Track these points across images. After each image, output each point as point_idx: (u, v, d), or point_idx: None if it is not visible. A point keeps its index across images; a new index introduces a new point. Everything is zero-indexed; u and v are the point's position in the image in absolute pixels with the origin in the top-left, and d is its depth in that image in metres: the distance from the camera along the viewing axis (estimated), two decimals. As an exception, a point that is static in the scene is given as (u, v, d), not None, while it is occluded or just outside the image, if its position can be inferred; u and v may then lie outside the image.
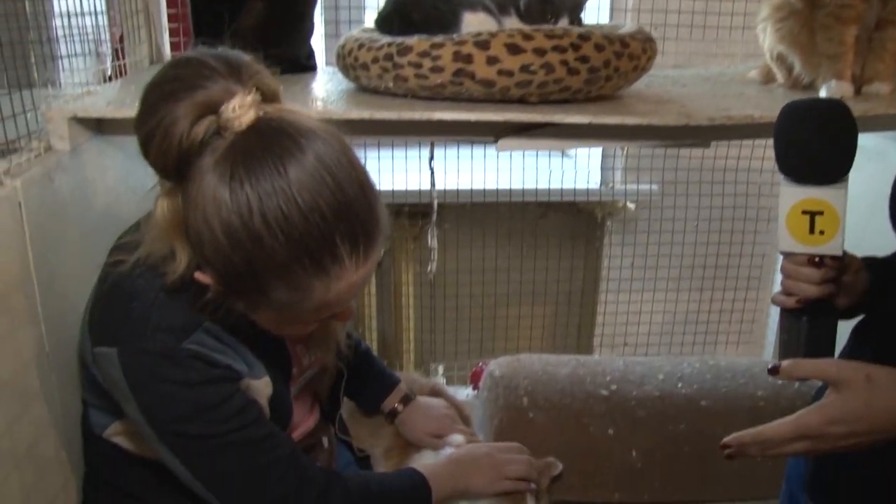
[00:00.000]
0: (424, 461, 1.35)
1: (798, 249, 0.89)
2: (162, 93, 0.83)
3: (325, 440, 1.27)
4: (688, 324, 2.38)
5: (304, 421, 1.24)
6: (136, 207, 1.12)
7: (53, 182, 1.08)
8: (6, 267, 0.95)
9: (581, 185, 2.23)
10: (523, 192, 2.14)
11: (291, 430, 1.18)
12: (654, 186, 2.21)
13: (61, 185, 1.10)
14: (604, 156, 2.26)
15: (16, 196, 0.98)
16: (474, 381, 1.95)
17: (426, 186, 2.06)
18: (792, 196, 0.89)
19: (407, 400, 1.43)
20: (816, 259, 0.89)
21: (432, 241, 2.11)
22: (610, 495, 1.54)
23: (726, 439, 0.82)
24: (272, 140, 0.81)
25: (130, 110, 0.96)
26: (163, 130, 0.81)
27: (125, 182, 1.30)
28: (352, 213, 0.83)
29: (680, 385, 1.65)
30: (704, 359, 1.77)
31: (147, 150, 0.84)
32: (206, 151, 0.82)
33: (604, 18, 2.11)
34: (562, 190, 2.17)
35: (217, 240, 0.81)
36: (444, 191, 2.10)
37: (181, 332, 0.90)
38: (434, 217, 2.10)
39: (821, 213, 0.87)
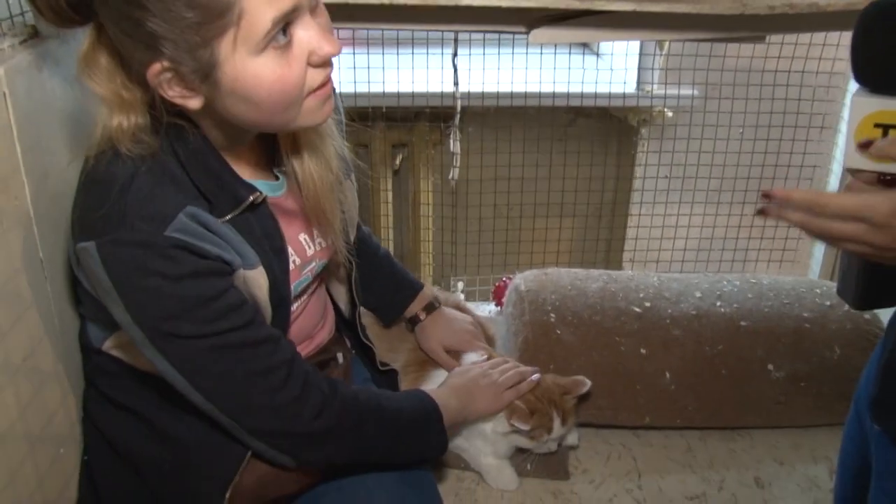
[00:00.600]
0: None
1: (867, 167, 0.81)
2: None
3: (339, 356, 1.25)
4: (727, 240, 2.31)
5: (317, 332, 1.22)
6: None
7: (42, 72, 1.01)
8: (-9, 164, 0.90)
9: (615, 89, 2.14)
10: (553, 95, 2.05)
11: (303, 343, 1.17)
12: (695, 91, 2.12)
13: (51, 76, 1.03)
14: (641, 55, 2.16)
15: (0, 85, 0.91)
16: (497, 296, 1.91)
17: (448, 88, 1.98)
18: (865, 107, 0.81)
19: (431, 308, 1.43)
20: (887, 177, 0.81)
21: (455, 146, 2.03)
22: (640, 418, 1.51)
23: (769, 189, 0.75)
24: None
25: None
26: None
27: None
28: None
29: (719, 304, 1.59)
30: (745, 277, 1.71)
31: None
32: None
33: None
34: (595, 94, 2.09)
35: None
36: (469, 93, 2.02)
37: (162, 218, 0.86)
38: (457, 120, 2.02)
39: (893, 126, 0.79)
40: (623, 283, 1.65)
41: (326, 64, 0.89)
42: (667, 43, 2.06)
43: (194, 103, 0.87)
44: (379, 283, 1.41)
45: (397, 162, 2.22)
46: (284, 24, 0.83)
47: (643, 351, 1.52)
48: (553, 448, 1.38)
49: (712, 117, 2.13)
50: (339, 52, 0.88)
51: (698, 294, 1.63)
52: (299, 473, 1.05)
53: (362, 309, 1.33)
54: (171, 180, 0.90)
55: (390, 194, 2.21)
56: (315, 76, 0.88)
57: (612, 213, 2.35)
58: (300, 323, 1.15)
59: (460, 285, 2.28)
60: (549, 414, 1.33)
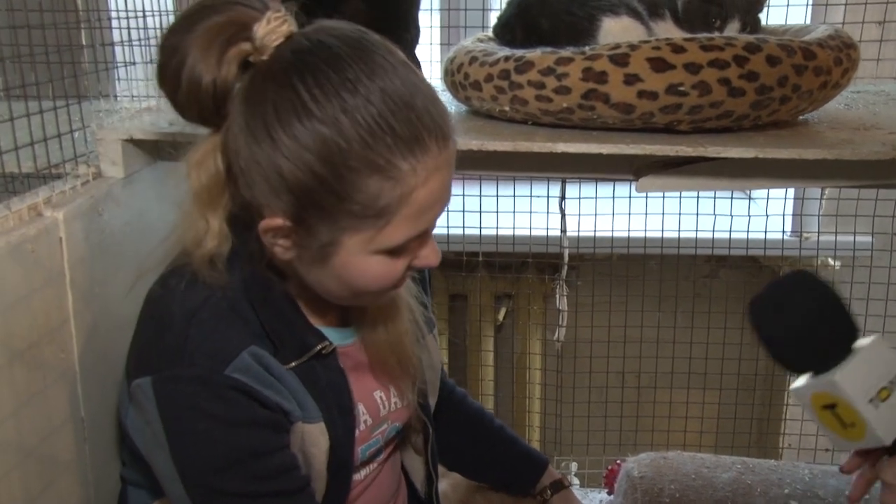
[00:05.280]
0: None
1: (849, 447, 0.99)
2: (182, 26, 0.92)
3: None
4: None
5: None
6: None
7: (102, 215, 1.16)
8: (40, 313, 1.02)
9: (764, 235, 2.18)
10: (683, 241, 2.11)
11: None
12: (866, 238, 2.15)
13: (111, 219, 1.18)
14: (794, 196, 2.21)
15: (56, 230, 1.05)
16: (610, 482, 1.92)
17: (555, 232, 2.06)
18: (804, 391, 1.00)
19: (559, 486, 1.46)
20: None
21: (562, 301, 2.09)
22: None
23: None
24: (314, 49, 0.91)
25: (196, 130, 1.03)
26: (189, 70, 0.91)
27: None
28: (419, 99, 0.92)
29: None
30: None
31: (175, 99, 0.94)
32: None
33: (799, 17, 2.06)
34: (745, 240, 2.13)
35: (291, 155, 0.89)
36: (578, 237, 2.09)
37: (224, 356, 0.95)
38: (564, 271, 2.09)
39: (836, 405, 0.96)
40: (763, 474, 1.63)
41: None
42: (827, 183, 2.10)
43: (286, 256, 0.98)
44: (498, 451, 1.46)
45: (500, 316, 2.29)
46: None
47: None
48: None
49: (884, 272, 2.14)
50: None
51: (866, 496, 1.59)
52: None
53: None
54: (239, 317, 0.98)
55: (490, 356, 2.26)
56: (407, 275, 1.03)
57: (765, 386, 2.33)
58: (368, 497, 1.19)
59: (573, 467, 2.29)
60: None
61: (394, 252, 0.96)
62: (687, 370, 2.24)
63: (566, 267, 2.09)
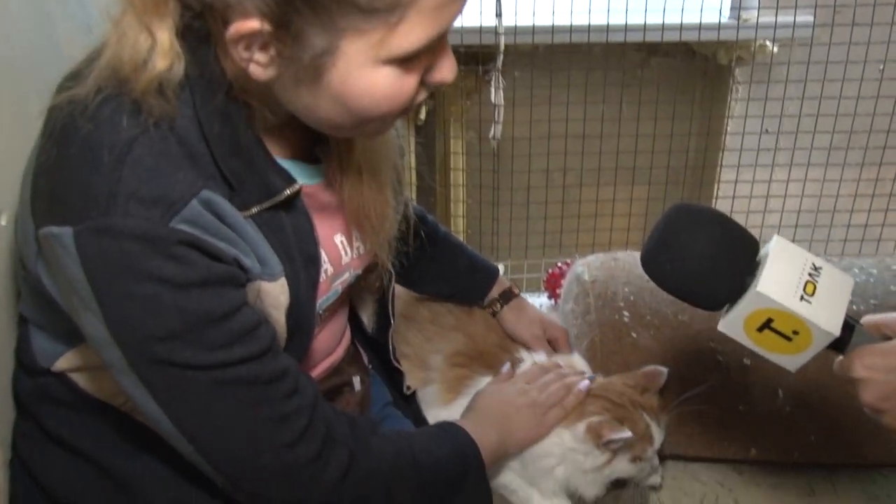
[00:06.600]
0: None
1: (802, 360, 0.99)
2: None
3: (356, 380, 1.24)
4: (840, 212, 2.27)
5: (333, 351, 1.20)
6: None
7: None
8: None
9: (703, 19, 2.13)
10: (621, 28, 2.05)
11: (312, 366, 1.16)
12: (807, 17, 2.10)
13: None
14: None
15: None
16: (551, 286, 1.89)
17: (489, 21, 1.96)
18: (734, 321, 0.98)
19: (509, 296, 1.49)
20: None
21: (497, 95, 1.99)
22: (744, 450, 1.44)
23: None
24: None
25: None
26: None
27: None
28: None
29: (851, 299, 1.51)
30: (886, 262, 1.62)
31: None
32: None
33: None
34: (679, 26, 2.08)
35: None
36: (515, 27, 2.00)
37: (168, 203, 0.81)
38: (499, 63, 1.99)
39: (771, 320, 0.95)
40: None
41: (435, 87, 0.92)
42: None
43: (265, 75, 0.83)
44: (445, 261, 1.46)
45: (421, 116, 2.19)
46: None
47: (747, 362, 1.45)
48: (655, 466, 1.36)
49: (826, 50, 2.11)
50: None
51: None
52: None
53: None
54: (186, 153, 0.85)
55: (412, 157, 2.18)
56: (420, 95, 0.90)
57: (697, 178, 2.33)
58: (315, 346, 1.13)
59: (500, 269, 2.23)
60: (641, 418, 1.29)
61: (406, 62, 0.84)
62: (627, 165, 2.23)
63: (501, 57, 1.99)
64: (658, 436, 1.31)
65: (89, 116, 0.83)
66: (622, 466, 1.29)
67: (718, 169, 2.30)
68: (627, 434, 1.24)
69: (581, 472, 1.29)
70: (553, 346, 1.48)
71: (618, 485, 1.34)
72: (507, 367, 1.40)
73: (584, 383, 1.32)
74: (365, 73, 0.83)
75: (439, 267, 1.45)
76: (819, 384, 1.44)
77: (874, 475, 1.47)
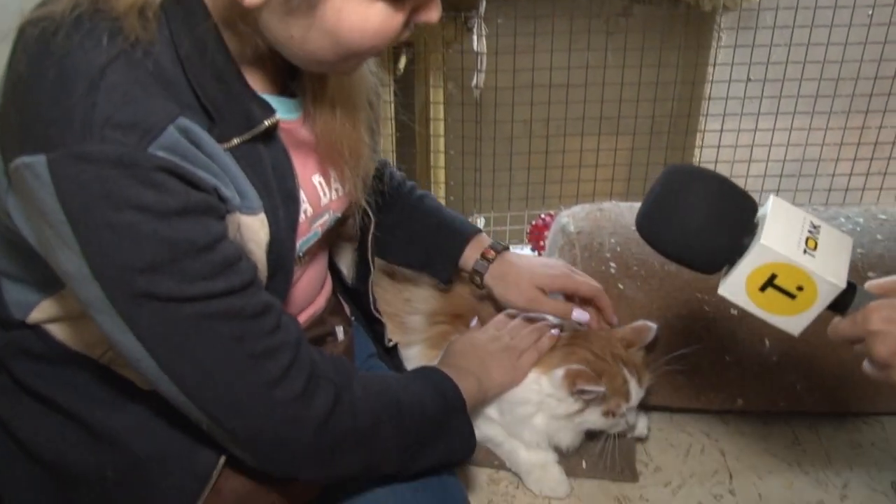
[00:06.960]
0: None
1: (807, 319, 0.97)
2: None
3: (339, 330, 1.24)
4: (825, 160, 2.26)
5: (314, 299, 1.19)
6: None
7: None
8: None
9: None
10: None
11: (295, 314, 1.14)
12: None
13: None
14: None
15: None
16: (534, 238, 1.90)
17: None
18: (737, 280, 0.96)
19: (485, 264, 1.37)
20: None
21: (479, 43, 1.95)
22: (730, 400, 1.46)
23: None
24: None
25: None
26: None
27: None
28: None
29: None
30: (872, 211, 1.62)
31: None
32: None
33: None
34: None
35: None
36: None
37: (144, 129, 0.79)
38: (482, 9, 1.95)
39: (775, 276, 0.94)
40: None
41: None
42: None
43: (253, 1, 0.82)
44: (420, 232, 1.39)
45: (400, 66, 2.15)
46: None
47: (734, 311, 1.46)
48: (631, 423, 1.36)
49: None
50: None
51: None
52: (290, 487, 1.04)
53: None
54: (163, 80, 0.83)
55: (391, 108, 2.13)
56: (403, 34, 0.90)
57: (682, 128, 2.29)
58: (296, 292, 1.12)
59: (481, 222, 2.26)
60: (620, 373, 1.29)
61: (398, 0, 0.85)
62: (610, 114, 2.19)
63: (484, 2, 1.94)
64: (636, 393, 1.31)
65: (63, 37, 0.80)
66: (593, 418, 1.30)
67: (703, 118, 2.26)
68: (600, 389, 1.25)
69: (554, 418, 1.30)
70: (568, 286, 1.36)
71: (591, 436, 1.36)
72: (475, 321, 1.40)
73: (555, 330, 1.33)
74: (360, 7, 0.83)
75: (406, 230, 1.38)
76: (805, 332, 1.44)
77: (858, 423, 1.50)
